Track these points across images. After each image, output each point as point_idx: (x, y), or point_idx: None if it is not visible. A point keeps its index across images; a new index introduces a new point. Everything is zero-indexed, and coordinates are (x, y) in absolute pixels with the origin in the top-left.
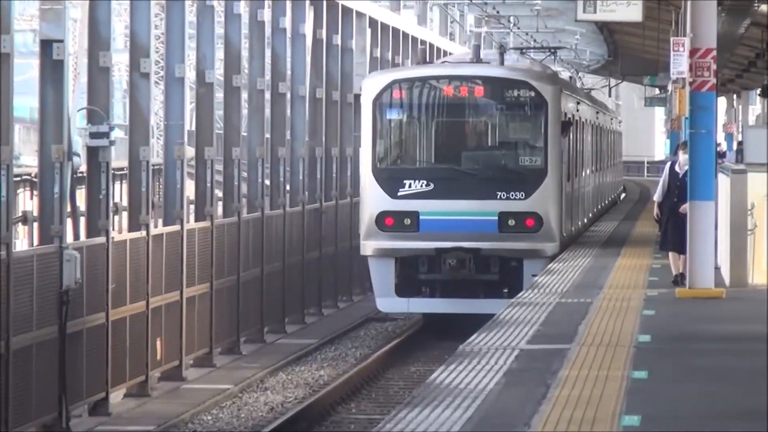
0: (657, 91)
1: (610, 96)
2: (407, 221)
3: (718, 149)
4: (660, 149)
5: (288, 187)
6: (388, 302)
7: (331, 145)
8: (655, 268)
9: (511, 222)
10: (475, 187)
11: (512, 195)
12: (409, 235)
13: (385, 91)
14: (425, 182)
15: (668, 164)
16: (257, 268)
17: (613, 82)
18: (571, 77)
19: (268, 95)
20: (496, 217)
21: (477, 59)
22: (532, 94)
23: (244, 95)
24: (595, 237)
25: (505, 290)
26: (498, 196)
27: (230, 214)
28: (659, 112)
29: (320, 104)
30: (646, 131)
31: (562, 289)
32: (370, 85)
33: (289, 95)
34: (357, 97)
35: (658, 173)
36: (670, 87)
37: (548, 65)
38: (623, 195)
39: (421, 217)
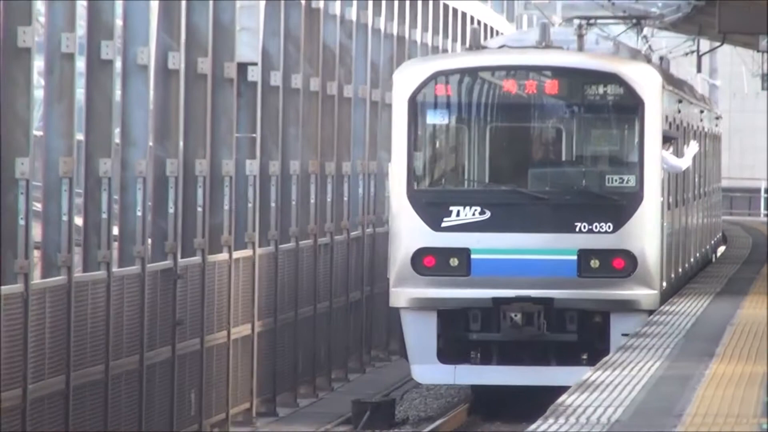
0: None
1: (699, 71)
2: (454, 262)
3: None
4: None
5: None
6: (428, 370)
7: (342, 159)
8: None
9: (595, 263)
10: (547, 216)
11: (596, 227)
12: (457, 281)
13: (425, 86)
14: (479, 209)
15: None
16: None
17: (704, 45)
18: (662, 59)
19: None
20: (575, 257)
21: (546, 42)
22: (625, 91)
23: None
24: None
25: (584, 356)
26: (577, 229)
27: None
28: None
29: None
30: (764, 135)
31: (663, 352)
32: (404, 78)
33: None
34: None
35: None
36: None
37: (637, 48)
38: (721, 248)
39: (472, 257)
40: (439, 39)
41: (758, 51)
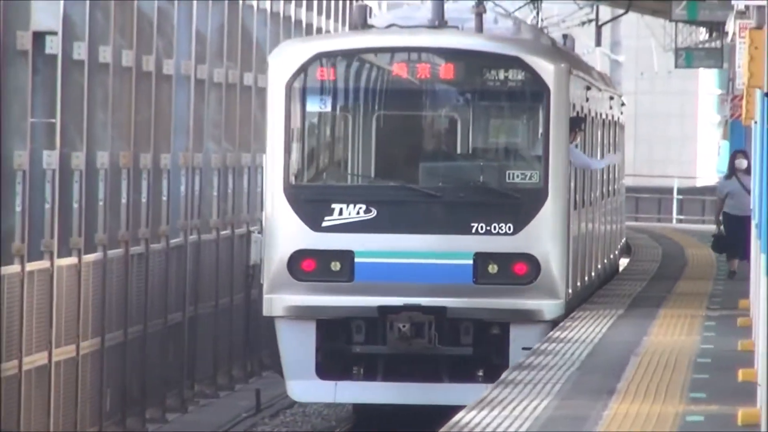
0: (701, 34)
1: (599, 45)
2: (336, 266)
3: None
4: (707, 161)
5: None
6: (306, 387)
7: (161, 151)
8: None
9: (493, 268)
10: (439, 215)
11: (495, 228)
12: (339, 287)
13: (305, 69)
14: (363, 208)
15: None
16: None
17: (605, 13)
18: (566, 38)
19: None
20: (471, 261)
21: (441, 22)
22: (528, 76)
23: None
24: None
25: (480, 372)
26: (473, 230)
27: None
28: (706, 80)
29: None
30: (678, 123)
31: (568, 370)
32: (281, 61)
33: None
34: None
35: (703, 214)
36: (731, 25)
37: (541, 29)
38: (624, 260)
39: (356, 260)
40: (328, 19)
41: (670, 20)
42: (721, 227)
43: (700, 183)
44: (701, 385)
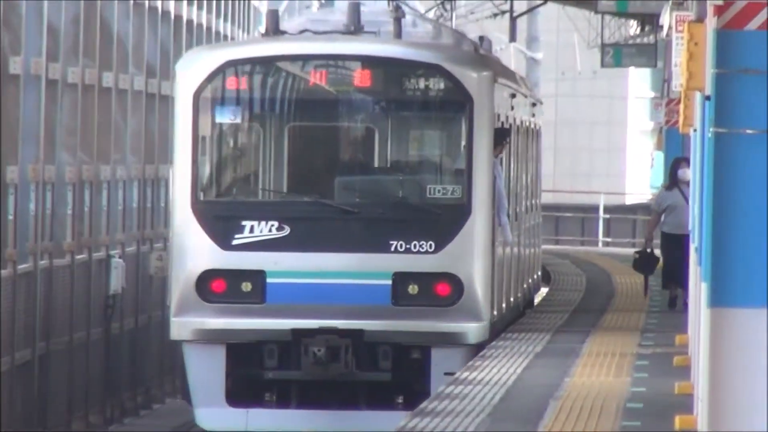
0: (631, 28)
1: (513, 40)
2: (247, 286)
3: None
4: (638, 175)
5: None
6: (215, 415)
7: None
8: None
9: (413, 289)
10: (356, 233)
11: (415, 246)
12: (250, 309)
13: (214, 78)
14: (276, 225)
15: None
16: None
17: (520, 5)
18: (482, 39)
19: None
20: (389, 281)
21: (357, 28)
22: (449, 85)
23: None
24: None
25: (400, 399)
26: (392, 248)
27: None
28: (637, 82)
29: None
30: (604, 131)
31: (477, 417)
32: (188, 70)
33: None
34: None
35: (634, 236)
36: (667, 18)
37: (462, 32)
38: (542, 290)
39: (268, 280)
40: (236, 27)
41: (596, 12)
42: (651, 247)
43: (630, 200)
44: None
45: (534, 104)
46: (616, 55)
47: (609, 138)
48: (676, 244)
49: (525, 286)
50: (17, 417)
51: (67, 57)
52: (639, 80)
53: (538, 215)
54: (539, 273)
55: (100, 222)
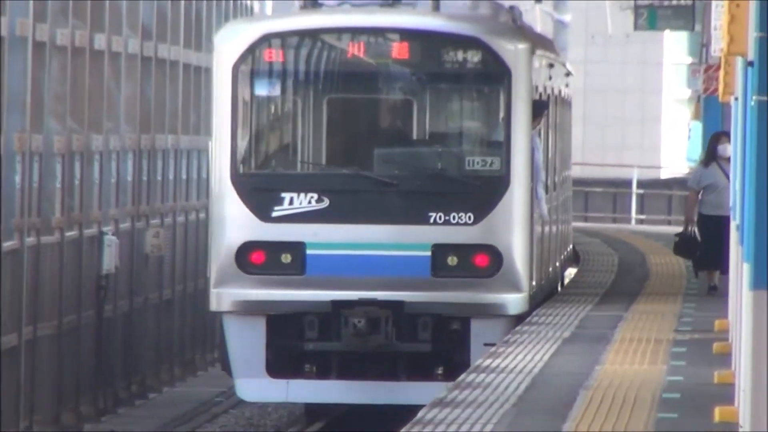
0: None
1: (539, 1)
2: (287, 258)
3: None
4: (674, 147)
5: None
6: (255, 386)
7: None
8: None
9: (453, 260)
10: (395, 205)
11: (454, 218)
12: (290, 281)
13: (253, 51)
14: (315, 197)
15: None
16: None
17: None
18: (513, 9)
19: None
20: (429, 253)
21: (395, 0)
22: (488, 57)
23: None
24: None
25: (440, 370)
26: (431, 220)
27: None
28: (673, 46)
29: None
30: (638, 100)
31: (501, 408)
32: (227, 42)
33: None
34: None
35: (669, 212)
36: None
37: (499, 3)
38: (572, 270)
39: (308, 252)
40: None
41: None
42: (694, 229)
43: (665, 174)
44: (668, 427)
45: (567, 74)
46: (650, 17)
47: (642, 107)
48: (717, 227)
49: (557, 263)
50: (2, 408)
51: (56, 17)
52: (675, 45)
53: (569, 189)
54: (570, 249)
55: (92, 196)
